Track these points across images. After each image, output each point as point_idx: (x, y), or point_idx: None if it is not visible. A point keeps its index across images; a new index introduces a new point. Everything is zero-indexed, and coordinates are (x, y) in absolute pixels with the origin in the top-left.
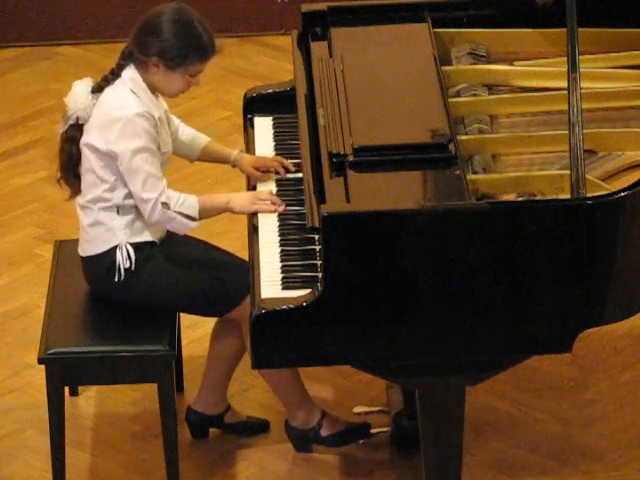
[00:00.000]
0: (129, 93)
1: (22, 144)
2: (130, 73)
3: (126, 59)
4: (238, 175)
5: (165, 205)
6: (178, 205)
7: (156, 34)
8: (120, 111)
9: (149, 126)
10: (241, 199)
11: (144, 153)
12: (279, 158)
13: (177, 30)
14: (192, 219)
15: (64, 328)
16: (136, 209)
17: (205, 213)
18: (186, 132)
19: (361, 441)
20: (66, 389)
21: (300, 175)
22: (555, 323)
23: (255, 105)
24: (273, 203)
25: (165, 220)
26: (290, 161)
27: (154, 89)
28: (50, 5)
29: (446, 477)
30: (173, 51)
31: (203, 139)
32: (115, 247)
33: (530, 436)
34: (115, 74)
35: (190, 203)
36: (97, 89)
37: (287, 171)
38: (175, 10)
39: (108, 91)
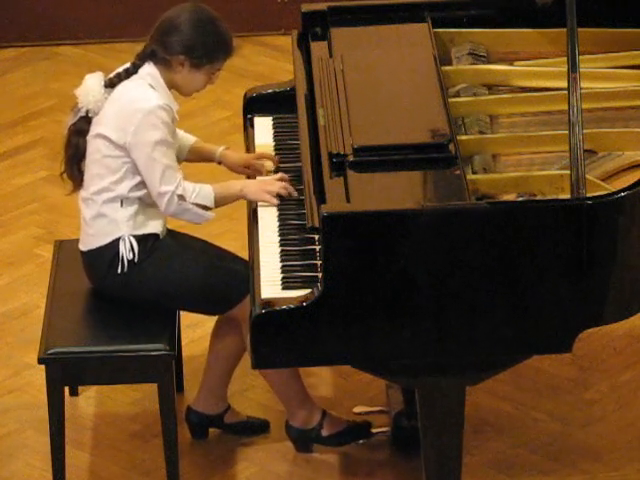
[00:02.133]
0: (147, 87)
1: (22, 144)
2: (148, 70)
3: (145, 59)
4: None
5: (181, 197)
6: (194, 196)
7: (181, 33)
8: (140, 103)
9: (168, 118)
10: (254, 186)
11: (163, 146)
12: (266, 154)
13: (203, 28)
14: (208, 208)
15: (64, 328)
16: (140, 201)
17: (220, 201)
18: (177, 133)
19: (361, 441)
20: (66, 389)
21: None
22: (555, 323)
23: (255, 105)
24: (285, 190)
25: (181, 212)
26: (289, 161)
27: (171, 87)
28: (50, 5)
29: (446, 477)
30: (200, 50)
31: (190, 139)
32: (118, 239)
33: (530, 436)
34: (130, 72)
35: (205, 193)
36: (109, 84)
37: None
38: (195, 9)
39: (124, 85)
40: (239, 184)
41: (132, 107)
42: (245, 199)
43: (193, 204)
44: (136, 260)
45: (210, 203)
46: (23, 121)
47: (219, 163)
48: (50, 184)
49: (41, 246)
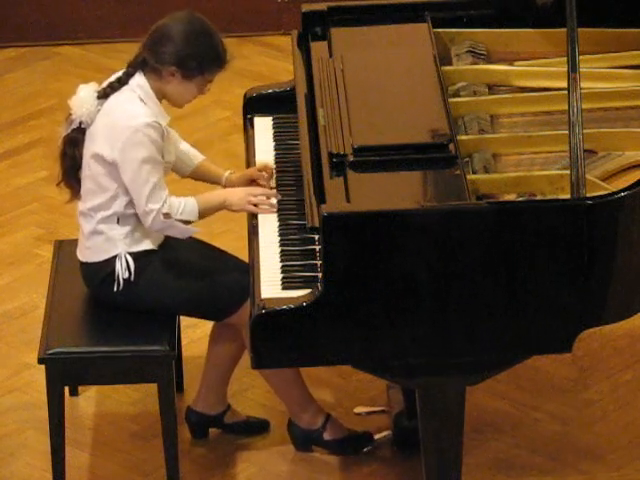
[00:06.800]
0: (138, 101)
1: (22, 144)
2: (138, 80)
3: (137, 67)
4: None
5: (167, 215)
6: (179, 213)
7: (174, 44)
8: (129, 120)
9: (157, 136)
10: (236, 196)
11: (150, 164)
12: (263, 166)
13: (196, 40)
14: (193, 222)
15: (64, 328)
16: (136, 218)
17: (204, 213)
18: (182, 146)
19: (365, 449)
20: (66, 389)
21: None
22: (555, 323)
23: (255, 105)
24: (267, 197)
25: (166, 228)
26: (289, 161)
27: (162, 97)
28: (50, 5)
29: (446, 477)
30: (193, 62)
31: (198, 156)
32: (114, 257)
33: (530, 436)
34: (122, 81)
35: (190, 209)
36: (102, 95)
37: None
38: (189, 20)
39: (115, 98)
40: (222, 195)
41: (121, 123)
42: (229, 210)
43: (178, 221)
44: (132, 278)
45: (194, 218)
46: (23, 121)
47: (225, 187)
48: (50, 184)
49: (41, 246)
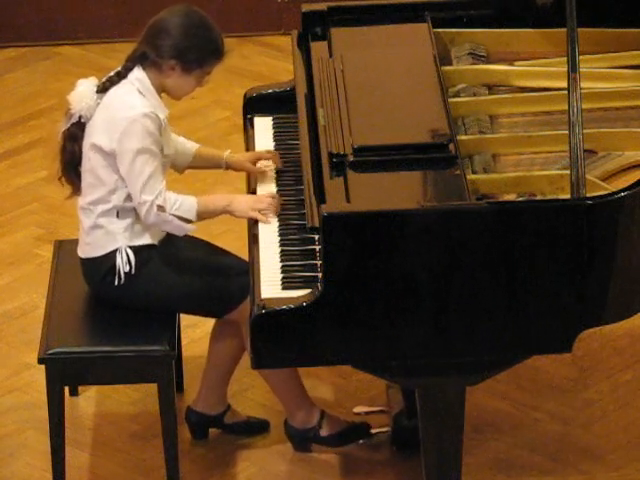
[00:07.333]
0: (136, 93)
1: (22, 144)
2: (137, 74)
3: (136, 61)
4: (238, 175)
5: (161, 208)
6: (174, 208)
7: (172, 37)
8: (126, 111)
9: (154, 127)
10: (241, 203)
11: (146, 154)
12: (272, 151)
13: (194, 33)
14: (190, 221)
15: (64, 328)
16: (135, 211)
17: (204, 215)
18: (177, 138)
19: (361, 441)
20: (66, 389)
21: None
22: (555, 323)
23: (255, 105)
24: (272, 210)
25: (161, 222)
26: (289, 161)
27: (161, 91)
28: (50, 5)
29: (446, 477)
30: (192, 54)
31: (193, 145)
32: (115, 251)
33: (530, 436)
34: (121, 75)
35: (188, 206)
36: (102, 89)
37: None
38: (186, 12)
39: (113, 91)
40: (226, 199)
41: (118, 114)
42: (232, 215)
43: (174, 216)
44: (132, 272)
45: (192, 217)
46: (23, 121)
47: (226, 169)
48: (50, 184)
49: (41, 246)
